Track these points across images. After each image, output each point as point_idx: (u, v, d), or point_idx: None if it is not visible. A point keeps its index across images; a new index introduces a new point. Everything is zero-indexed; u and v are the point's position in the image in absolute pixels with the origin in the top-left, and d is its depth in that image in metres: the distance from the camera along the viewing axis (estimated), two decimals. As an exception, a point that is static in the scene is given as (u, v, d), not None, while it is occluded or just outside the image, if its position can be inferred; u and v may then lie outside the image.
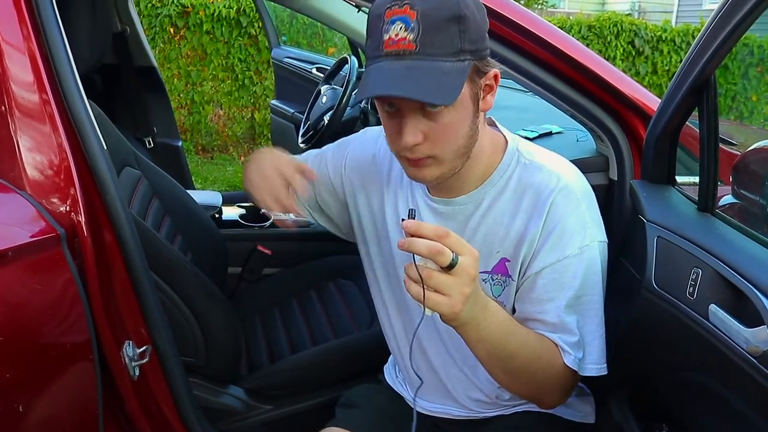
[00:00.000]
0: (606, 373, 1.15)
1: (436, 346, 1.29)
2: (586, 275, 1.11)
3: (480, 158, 1.15)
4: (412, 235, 0.91)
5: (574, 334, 1.11)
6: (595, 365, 1.14)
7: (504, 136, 1.22)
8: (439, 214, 1.22)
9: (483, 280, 1.18)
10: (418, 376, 1.20)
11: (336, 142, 1.41)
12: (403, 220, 0.92)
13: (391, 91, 0.99)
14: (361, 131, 1.42)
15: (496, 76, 1.09)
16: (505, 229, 1.16)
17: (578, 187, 1.14)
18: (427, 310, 0.93)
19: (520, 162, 1.18)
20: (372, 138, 1.36)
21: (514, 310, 1.18)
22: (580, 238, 1.11)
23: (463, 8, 0.99)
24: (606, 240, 1.15)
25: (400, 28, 0.98)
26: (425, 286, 0.91)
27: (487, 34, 1.06)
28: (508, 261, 1.17)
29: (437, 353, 1.30)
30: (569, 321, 1.11)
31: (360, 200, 1.34)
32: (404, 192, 1.27)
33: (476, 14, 1.02)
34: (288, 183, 1.20)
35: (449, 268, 0.90)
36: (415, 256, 0.91)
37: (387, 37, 0.99)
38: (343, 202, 1.38)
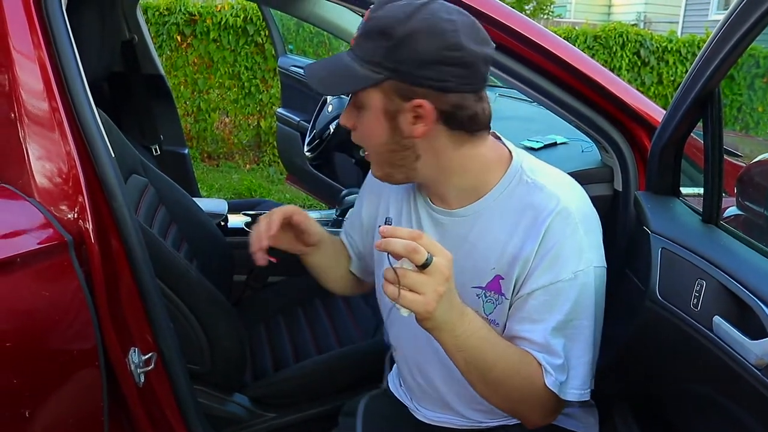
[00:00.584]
0: (588, 398, 1.14)
1: (432, 362, 1.29)
2: (578, 300, 1.11)
3: (470, 171, 1.17)
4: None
5: (559, 356, 1.11)
6: (577, 390, 1.13)
7: (509, 150, 1.21)
8: (439, 225, 1.23)
9: (477, 296, 1.18)
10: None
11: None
12: (380, 226, 0.99)
13: (307, 76, 1.13)
14: None
15: (422, 107, 1.08)
16: (502, 247, 1.16)
17: (577, 211, 1.13)
18: (402, 310, 0.96)
19: (522, 180, 1.17)
20: None
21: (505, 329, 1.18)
22: (575, 262, 1.10)
23: (400, 30, 1.04)
24: (604, 265, 1.15)
25: (359, 25, 1.11)
26: (400, 286, 0.93)
27: (431, 64, 1.05)
28: (502, 279, 1.16)
29: (435, 369, 1.30)
30: (555, 344, 1.11)
31: (379, 220, 1.38)
32: (408, 204, 1.29)
33: (419, 41, 1.03)
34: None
35: (424, 267, 0.93)
36: (390, 259, 0.95)
37: (355, 34, 1.12)
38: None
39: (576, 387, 1.13)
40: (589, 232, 1.13)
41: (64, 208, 1.22)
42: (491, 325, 1.15)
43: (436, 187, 1.21)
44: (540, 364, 1.11)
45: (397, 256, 0.94)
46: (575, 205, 1.14)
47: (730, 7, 0.96)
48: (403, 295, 0.94)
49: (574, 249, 1.11)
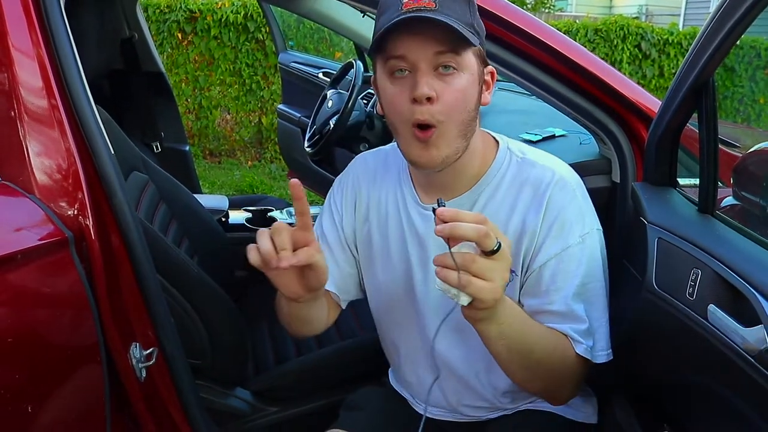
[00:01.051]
0: (612, 358, 1.16)
1: (431, 365, 1.30)
2: (589, 262, 1.14)
3: (475, 155, 1.18)
4: (447, 222, 0.90)
5: (584, 321, 1.13)
6: (604, 351, 1.16)
7: (493, 137, 1.25)
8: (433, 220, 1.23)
9: None
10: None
11: (322, 212, 1.39)
12: (434, 209, 0.91)
13: (426, 14, 1.01)
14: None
15: (492, 74, 1.15)
16: (504, 226, 1.17)
17: (572, 179, 1.18)
18: (463, 297, 0.91)
19: (513, 159, 1.20)
20: (342, 182, 1.38)
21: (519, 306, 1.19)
22: (580, 227, 1.14)
23: None
24: (601, 228, 1.19)
25: None
26: (464, 272, 0.89)
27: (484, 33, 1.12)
28: None
29: (433, 371, 1.30)
30: (577, 309, 1.13)
31: (364, 229, 1.34)
32: (396, 205, 1.28)
33: (477, 12, 1.10)
34: None
35: (491, 253, 0.89)
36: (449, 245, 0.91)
37: (406, 0, 1.03)
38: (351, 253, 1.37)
39: (602, 348, 1.16)
40: (585, 197, 1.18)
41: (64, 204, 1.22)
42: None
43: (442, 176, 1.18)
44: (567, 336, 1.12)
45: (455, 242, 0.90)
46: (568, 174, 1.18)
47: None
48: (471, 282, 0.90)
49: (576, 214, 1.14)
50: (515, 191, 1.18)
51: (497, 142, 1.24)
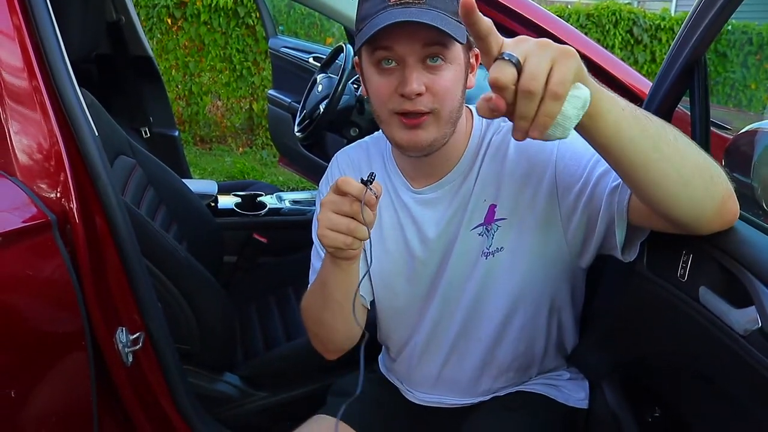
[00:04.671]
0: None
1: (442, 349, 1.30)
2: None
3: (459, 135, 1.18)
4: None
5: None
6: None
7: (469, 108, 1.24)
8: (428, 203, 1.23)
9: (479, 234, 1.19)
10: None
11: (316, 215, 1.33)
12: (361, 180, 0.92)
13: (412, 18, 0.99)
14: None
15: (477, 56, 1.13)
16: (497, 179, 1.17)
17: None
18: (557, 129, 0.76)
19: (490, 123, 1.21)
20: (330, 180, 1.35)
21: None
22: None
23: None
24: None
25: None
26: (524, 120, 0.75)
27: None
28: (495, 206, 1.18)
29: (446, 352, 1.30)
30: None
31: None
32: (387, 194, 1.27)
33: None
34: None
35: (516, 69, 0.73)
36: None
37: None
38: None
39: None
40: None
41: (47, 187, 1.21)
42: (497, 254, 1.18)
43: (429, 161, 1.18)
44: None
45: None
46: None
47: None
48: (540, 122, 0.75)
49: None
50: (502, 145, 1.18)
51: (472, 111, 1.24)
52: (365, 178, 0.93)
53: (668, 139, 0.87)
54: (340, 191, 0.94)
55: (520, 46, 0.74)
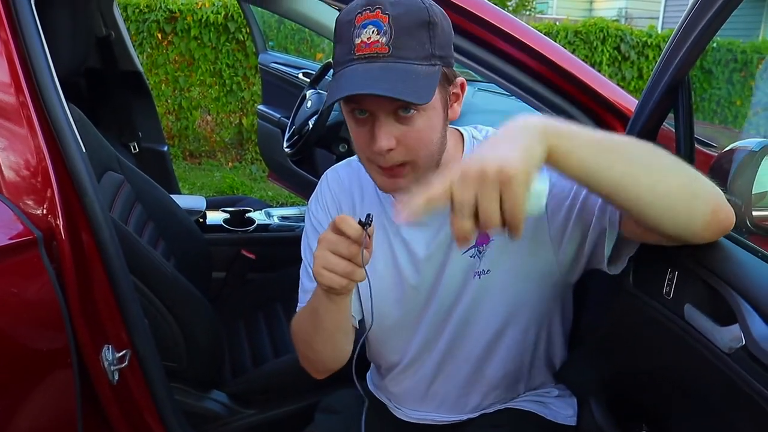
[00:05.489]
0: None
1: (431, 366, 1.30)
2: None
3: (449, 157, 1.16)
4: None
5: None
6: None
7: (459, 131, 1.24)
8: (421, 226, 1.22)
9: (471, 256, 1.19)
10: None
11: (307, 235, 1.33)
12: (360, 221, 0.92)
13: (368, 90, 0.98)
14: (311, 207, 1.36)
15: (462, 85, 1.11)
16: None
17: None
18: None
19: (480, 142, 1.21)
20: (320, 200, 1.34)
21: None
22: None
23: (432, 15, 1.02)
24: None
25: (372, 31, 0.99)
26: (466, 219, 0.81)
27: (452, 43, 1.08)
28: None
29: (435, 370, 1.30)
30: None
31: None
32: (379, 220, 1.25)
33: (443, 23, 1.05)
34: None
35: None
36: None
37: (359, 41, 1.00)
38: None
39: None
40: None
41: (33, 203, 1.20)
42: (488, 275, 1.17)
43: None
44: None
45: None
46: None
47: (695, -5, 0.97)
48: (513, 230, 0.81)
49: None
50: None
51: (462, 134, 1.24)
52: (363, 220, 0.93)
53: (641, 164, 0.90)
54: (337, 230, 0.94)
55: (465, 191, 0.80)
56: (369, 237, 0.93)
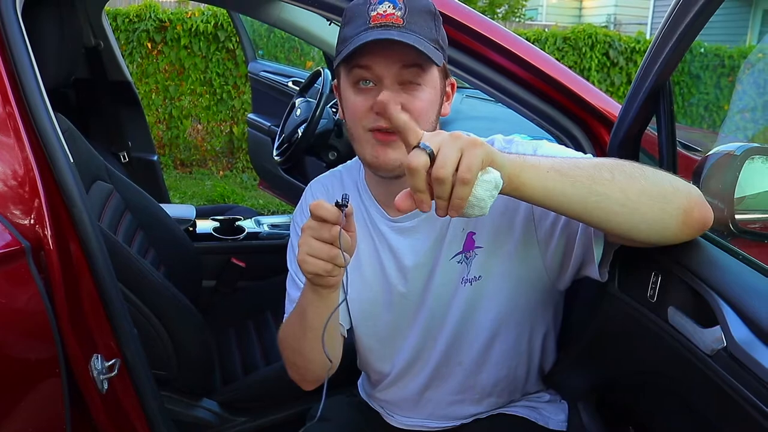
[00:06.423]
0: None
1: (423, 374, 1.30)
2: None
3: None
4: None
5: None
6: None
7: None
8: (406, 231, 1.23)
9: (458, 263, 1.19)
10: None
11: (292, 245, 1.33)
12: (337, 203, 0.93)
13: (395, 36, 1.02)
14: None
15: (453, 85, 1.18)
16: (492, 217, 1.17)
17: (504, 137, 1.23)
18: (472, 209, 0.86)
19: None
20: (305, 209, 1.28)
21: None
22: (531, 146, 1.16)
23: (436, 9, 1.11)
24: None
25: (389, 6, 1.06)
26: (438, 199, 0.85)
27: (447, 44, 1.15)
28: (474, 234, 1.18)
29: (428, 378, 1.30)
30: None
31: None
32: (365, 225, 1.26)
33: (442, 22, 1.12)
34: None
35: (431, 161, 0.83)
36: None
37: (375, 13, 1.06)
38: None
39: None
40: (523, 140, 1.22)
41: (21, 214, 1.20)
42: (478, 281, 1.18)
43: (402, 187, 1.17)
44: None
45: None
46: (501, 135, 1.23)
47: (672, 2, 0.98)
48: (454, 203, 0.85)
49: (530, 149, 1.15)
50: None
51: None
52: (340, 201, 0.94)
53: (604, 180, 0.93)
54: (316, 216, 0.95)
55: (435, 138, 0.85)
56: (347, 217, 0.94)
